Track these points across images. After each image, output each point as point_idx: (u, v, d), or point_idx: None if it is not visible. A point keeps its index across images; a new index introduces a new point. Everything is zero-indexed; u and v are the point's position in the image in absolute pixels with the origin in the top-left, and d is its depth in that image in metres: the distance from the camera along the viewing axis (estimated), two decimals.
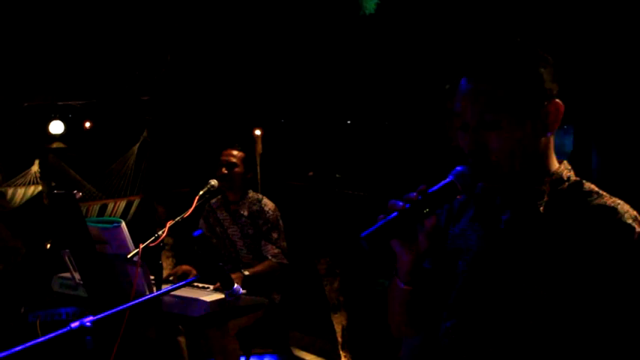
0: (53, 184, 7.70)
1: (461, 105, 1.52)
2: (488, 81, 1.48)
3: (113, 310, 2.05)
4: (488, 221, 1.58)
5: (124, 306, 2.17)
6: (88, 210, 7.03)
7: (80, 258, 3.35)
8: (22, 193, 7.77)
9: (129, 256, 3.13)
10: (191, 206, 3.55)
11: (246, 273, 3.81)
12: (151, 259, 3.28)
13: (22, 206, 7.64)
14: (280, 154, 7.45)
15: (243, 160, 4.07)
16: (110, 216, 7.03)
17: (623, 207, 1.44)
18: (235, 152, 4.07)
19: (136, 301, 2.29)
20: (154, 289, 3.33)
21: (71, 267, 3.60)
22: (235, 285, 2.39)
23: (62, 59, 6.30)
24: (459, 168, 1.51)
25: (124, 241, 3.30)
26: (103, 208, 7.11)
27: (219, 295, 3.59)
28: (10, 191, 7.77)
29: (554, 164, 1.56)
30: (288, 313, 4.36)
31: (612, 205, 1.43)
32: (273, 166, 7.29)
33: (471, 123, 1.50)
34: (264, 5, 6.16)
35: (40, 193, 7.74)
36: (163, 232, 3.29)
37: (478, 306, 1.53)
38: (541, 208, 1.50)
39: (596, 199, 1.46)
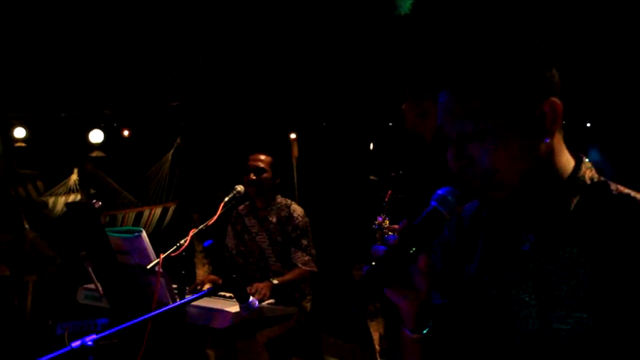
0: (92, 191, 7.74)
1: (441, 115, 1.33)
2: (465, 83, 1.29)
3: (117, 328, 1.96)
4: (508, 245, 1.37)
5: (139, 319, 2.07)
6: (124, 218, 7.02)
7: (101, 269, 3.27)
8: (63, 202, 7.82)
9: (148, 267, 3.04)
10: (215, 213, 3.45)
11: (276, 282, 3.67)
12: (174, 268, 3.19)
13: (62, 215, 7.70)
14: (317, 158, 7.33)
15: (272, 164, 3.93)
16: (146, 223, 7.01)
17: None
18: (263, 157, 3.94)
19: (152, 313, 2.19)
20: (177, 298, 3.24)
21: (94, 278, 3.53)
22: (251, 298, 2.27)
23: (94, 67, 6.30)
24: (440, 191, 1.30)
25: (145, 250, 3.21)
26: (139, 215, 7.09)
27: None
28: (51, 200, 7.83)
29: (569, 165, 1.33)
30: (322, 318, 4.23)
31: None
32: (310, 169, 7.19)
33: (453, 135, 1.31)
34: (300, 8, 6.06)
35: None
36: (185, 242, 3.20)
37: (517, 343, 1.32)
38: (567, 221, 1.28)
39: (630, 203, 1.25)
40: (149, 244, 3.21)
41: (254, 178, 3.86)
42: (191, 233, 3.27)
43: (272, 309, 3.53)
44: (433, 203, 1.29)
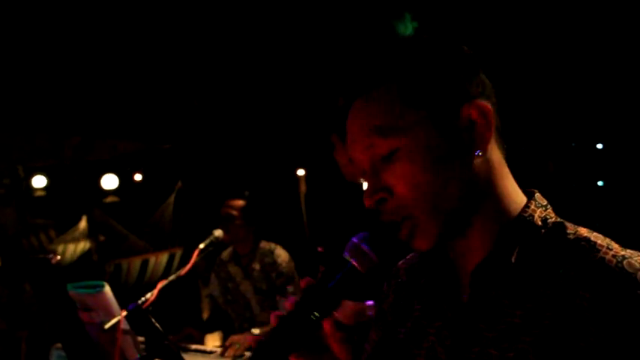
0: (102, 239, 7.63)
1: (349, 141, 1.07)
2: (369, 94, 1.03)
3: None
4: (445, 301, 1.10)
5: None
6: (129, 266, 6.85)
7: (60, 328, 3.06)
8: (73, 249, 7.72)
9: (106, 327, 2.82)
10: (189, 262, 3.24)
11: (256, 332, 3.43)
12: (141, 323, 2.97)
13: (72, 263, 7.58)
14: (326, 193, 7.11)
15: (243, 209, 3.70)
16: (153, 270, 6.84)
17: (635, 264, 0.92)
18: (233, 203, 3.71)
19: None
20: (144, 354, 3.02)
21: None
22: None
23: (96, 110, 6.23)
24: (354, 239, 1.05)
25: (108, 306, 3.00)
26: (145, 263, 6.92)
27: None
28: (60, 248, 7.74)
29: (517, 199, 1.06)
30: None
31: (617, 266, 0.92)
32: (319, 205, 6.96)
33: (365, 165, 1.05)
34: (305, 43, 5.92)
35: (89, 249, 7.66)
36: (152, 295, 2.98)
37: None
38: (508, 277, 1.00)
39: (590, 253, 0.95)
40: (113, 298, 3.00)
41: (222, 226, 3.62)
42: (159, 286, 3.04)
43: None
44: (345, 254, 1.05)
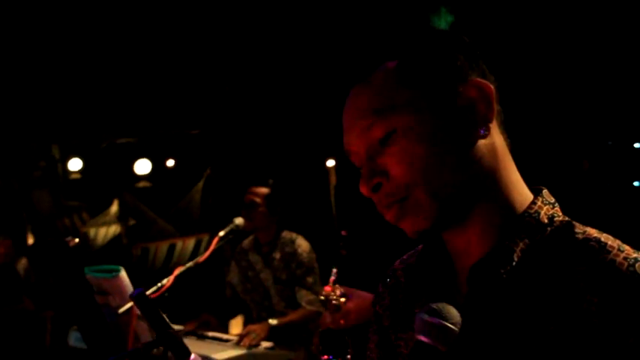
0: (132, 223, 7.69)
1: (344, 129, 1.03)
2: (364, 80, 0.99)
3: None
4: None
5: None
6: (156, 250, 6.89)
7: (77, 310, 3.07)
8: (104, 233, 7.80)
9: (120, 311, 2.81)
10: (208, 249, 3.22)
11: (274, 322, 3.39)
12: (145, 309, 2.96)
13: (103, 247, 7.67)
14: (357, 185, 7.03)
15: (267, 197, 3.66)
16: (180, 255, 6.87)
17: None
18: (258, 190, 3.67)
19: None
20: None
21: None
22: (193, 355, 1.98)
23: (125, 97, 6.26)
24: (422, 316, 0.90)
25: (124, 291, 3.00)
26: (172, 247, 6.95)
27: (237, 351, 3.22)
28: (92, 231, 7.83)
29: (522, 193, 1.00)
30: None
31: (629, 269, 0.86)
32: (349, 197, 6.89)
33: (362, 153, 1.00)
34: (335, 33, 5.86)
35: (120, 233, 7.74)
36: (168, 281, 2.96)
37: None
38: (504, 275, 0.93)
39: (599, 254, 0.89)
40: (129, 283, 2.99)
41: (245, 213, 3.59)
42: (176, 272, 3.03)
43: (267, 354, 3.24)
44: (421, 338, 0.89)
